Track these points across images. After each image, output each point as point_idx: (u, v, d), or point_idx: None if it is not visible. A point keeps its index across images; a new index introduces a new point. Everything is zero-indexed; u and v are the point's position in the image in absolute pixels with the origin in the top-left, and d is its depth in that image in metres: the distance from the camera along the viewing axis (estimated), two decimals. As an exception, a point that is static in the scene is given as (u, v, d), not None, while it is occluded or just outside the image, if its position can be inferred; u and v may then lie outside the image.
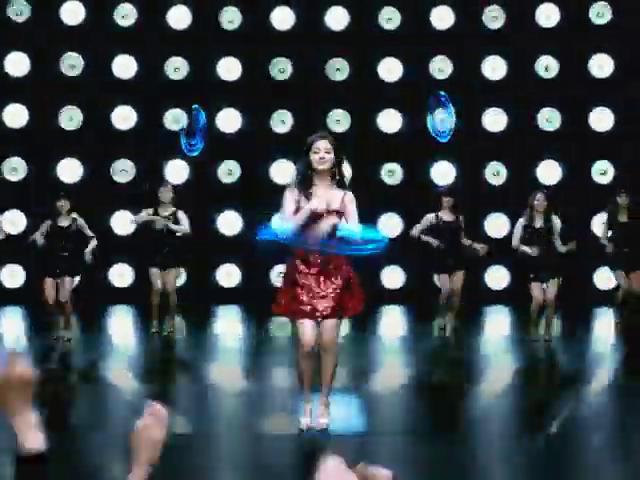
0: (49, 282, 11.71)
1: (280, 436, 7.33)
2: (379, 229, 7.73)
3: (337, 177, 7.18)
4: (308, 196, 7.11)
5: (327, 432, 7.22)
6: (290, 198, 7.15)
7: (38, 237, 11.71)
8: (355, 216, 7.21)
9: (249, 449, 7.00)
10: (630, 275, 12.55)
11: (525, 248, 11.63)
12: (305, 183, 7.14)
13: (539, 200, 11.65)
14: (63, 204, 11.71)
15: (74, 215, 11.80)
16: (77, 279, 12.12)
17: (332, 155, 7.12)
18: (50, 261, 11.73)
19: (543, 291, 11.65)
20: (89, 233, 11.84)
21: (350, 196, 7.20)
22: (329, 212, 7.10)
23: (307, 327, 7.19)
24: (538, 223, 11.68)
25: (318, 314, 7.13)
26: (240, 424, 7.82)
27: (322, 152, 7.09)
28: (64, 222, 11.75)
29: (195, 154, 7.65)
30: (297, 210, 7.11)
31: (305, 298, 7.14)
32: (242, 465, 6.66)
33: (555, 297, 11.64)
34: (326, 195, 7.13)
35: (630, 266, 12.51)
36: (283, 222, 7.16)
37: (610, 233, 12.60)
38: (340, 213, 7.16)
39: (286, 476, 6.28)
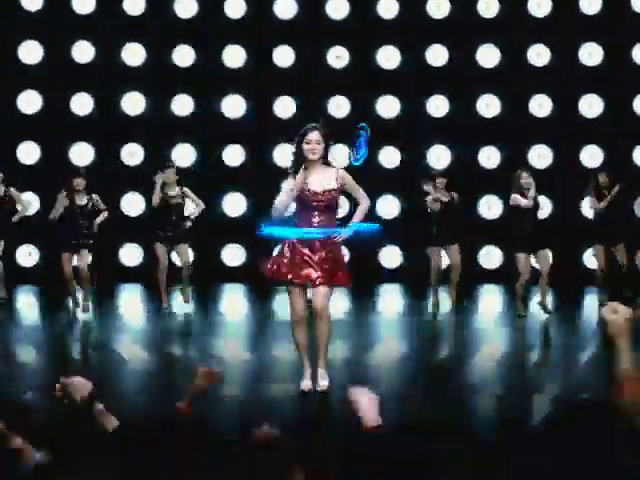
0: (66, 256, 12.35)
1: (283, 398, 8.05)
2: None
3: (326, 156, 8.12)
4: (306, 182, 8.05)
5: (326, 393, 7.99)
6: (286, 188, 8.10)
7: (56, 213, 12.32)
8: (359, 188, 8.09)
9: (254, 408, 7.68)
10: (615, 247, 13.43)
11: (519, 199, 12.33)
12: (299, 170, 8.05)
13: (525, 177, 12.33)
14: (79, 182, 12.36)
15: (91, 194, 12.47)
16: (90, 255, 12.70)
17: (322, 145, 8.01)
18: (67, 238, 12.36)
19: (529, 265, 12.37)
20: (102, 206, 12.49)
21: (343, 172, 8.17)
22: (325, 193, 7.91)
23: (297, 296, 8.07)
24: (530, 198, 12.34)
25: (309, 281, 8.01)
26: (245, 388, 8.50)
27: (313, 143, 8.02)
28: (82, 201, 12.39)
29: (359, 163, 8.34)
30: (300, 192, 8.02)
31: (297, 267, 8.00)
32: (246, 421, 7.30)
33: (549, 268, 12.35)
34: (321, 176, 8.06)
35: (613, 241, 13.41)
36: (276, 210, 8.09)
37: (593, 211, 13.47)
38: (337, 190, 8.02)
39: (288, 430, 6.95)
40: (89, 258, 12.55)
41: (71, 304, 12.56)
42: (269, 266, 8.18)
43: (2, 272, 13.34)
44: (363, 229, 8.28)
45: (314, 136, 8.02)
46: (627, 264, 13.59)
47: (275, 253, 8.29)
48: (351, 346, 10.61)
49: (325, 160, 8.11)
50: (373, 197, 15.52)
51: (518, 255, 12.40)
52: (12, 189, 13.26)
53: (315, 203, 8.05)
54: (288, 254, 8.05)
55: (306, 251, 8.01)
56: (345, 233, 8.13)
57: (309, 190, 8.05)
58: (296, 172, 8.04)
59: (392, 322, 13.23)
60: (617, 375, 3.21)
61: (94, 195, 12.52)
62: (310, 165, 8.07)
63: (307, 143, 8.03)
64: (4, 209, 13.16)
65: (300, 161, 8.06)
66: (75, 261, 12.49)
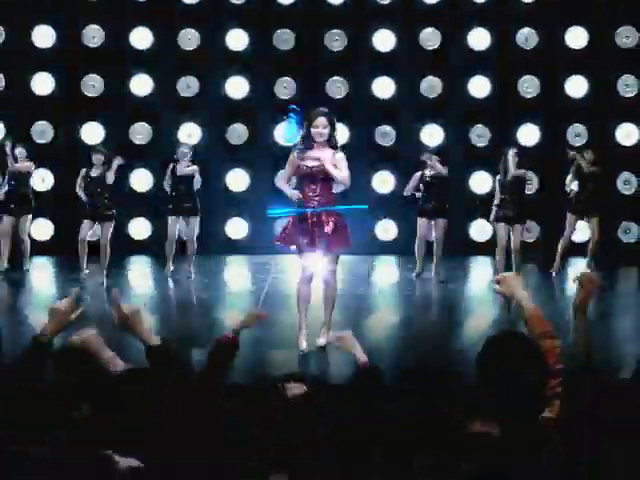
0: (86, 223, 13.37)
1: (283, 354, 9.00)
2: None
3: (331, 141, 9.15)
4: (304, 159, 9.14)
5: (324, 349, 8.96)
6: (291, 162, 9.21)
7: (78, 190, 13.65)
8: (345, 170, 9.08)
9: (255, 362, 8.58)
10: (589, 218, 14.57)
11: (492, 215, 13.62)
12: (306, 148, 9.11)
13: (511, 155, 13.33)
14: (99, 157, 13.54)
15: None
16: (112, 226, 13.71)
17: (328, 129, 9.01)
18: (89, 207, 13.50)
19: (509, 235, 13.36)
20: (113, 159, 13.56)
21: (340, 155, 9.09)
22: (317, 167, 9.08)
23: (307, 256, 9.05)
24: (510, 174, 13.36)
25: (316, 247, 9.00)
26: (248, 349, 9.37)
27: (320, 127, 9.01)
28: (96, 173, 13.48)
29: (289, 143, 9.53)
30: (297, 168, 9.22)
31: (305, 235, 9.01)
32: (249, 372, 8.19)
33: (520, 242, 13.35)
34: (320, 154, 9.11)
35: (589, 211, 14.48)
36: (281, 180, 9.51)
37: (576, 183, 14.44)
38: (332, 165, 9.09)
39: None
40: (110, 229, 13.55)
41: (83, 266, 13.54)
42: (280, 235, 9.25)
43: (29, 245, 14.47)
44: (351, 209, 9.56)
45: (322, 121, 9.05)
46: (598, 238, 14.59)
47: (285, 223, 9.30)
48: (348, 311, 11.46)
49: (330, 143, 9.15)
50: (370, 173, 16.63)
51: (497, 224, 13.46)
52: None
53: (310, 175, 9.12)
54: (299, 223, 9.07)
55: (315, 221, 9.03)
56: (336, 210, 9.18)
57: (306, 165, 9.11)
58: (304, 152, 9.12)
59: (384, 290, 14.15)
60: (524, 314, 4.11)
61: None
62: (316, 145, 9.11)
63: (315, 127, 9.05)
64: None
65: (309, 142, 9.11)
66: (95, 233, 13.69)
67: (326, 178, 9.10)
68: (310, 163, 9.09)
